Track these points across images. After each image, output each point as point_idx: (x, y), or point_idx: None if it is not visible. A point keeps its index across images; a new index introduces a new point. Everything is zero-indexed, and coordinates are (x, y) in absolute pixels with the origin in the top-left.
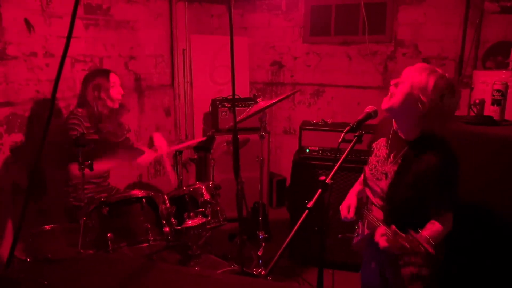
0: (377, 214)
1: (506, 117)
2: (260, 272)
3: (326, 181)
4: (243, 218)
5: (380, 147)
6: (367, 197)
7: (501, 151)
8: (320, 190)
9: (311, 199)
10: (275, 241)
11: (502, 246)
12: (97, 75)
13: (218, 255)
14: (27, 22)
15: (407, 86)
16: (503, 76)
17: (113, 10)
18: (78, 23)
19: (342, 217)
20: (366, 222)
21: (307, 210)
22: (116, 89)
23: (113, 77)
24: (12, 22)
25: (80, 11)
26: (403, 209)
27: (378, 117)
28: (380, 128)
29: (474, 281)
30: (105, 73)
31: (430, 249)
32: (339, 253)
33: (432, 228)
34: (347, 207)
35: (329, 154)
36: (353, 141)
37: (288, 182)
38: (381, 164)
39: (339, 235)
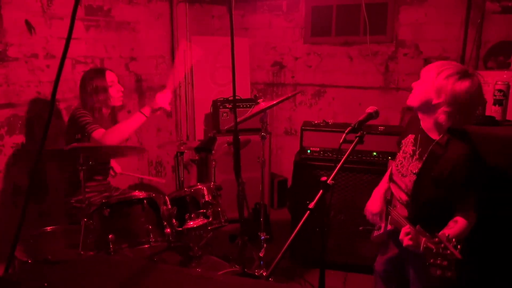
0: (401, 211)
1: (508, 117)
2: (261, 273)
3: (328, 182)
4: (244, 219)
5: (408, 143)
6: (392, 194)
7: (503, 151)
8: (321, 191)
9: (312, 200)
10: (276, 242)
11: (505, 246)
12: (94, 77)
13: (219, 256)
14: (28, 23)
15: (423, 84)
16: (504, 76)
17: (114, 11)
18: (79, 24)
19: (369, 216)
20: (389, 218)
21: (308, 211)
22: (115, 87)
23: (109, 76)
24: (13, 23)
25: (81, 12)
26: (427, 206)
27: (378, 121)
28: (409, 125)
29: (478, 281)
30: (101, 73)
31: (457, 254)
32: (346, 254)
33: (456, 226)
34: (379, 215)
35: (330, 154)
36: (355, 142)
37: (289, 183)
38: (407, 160)
39: (360, 227)
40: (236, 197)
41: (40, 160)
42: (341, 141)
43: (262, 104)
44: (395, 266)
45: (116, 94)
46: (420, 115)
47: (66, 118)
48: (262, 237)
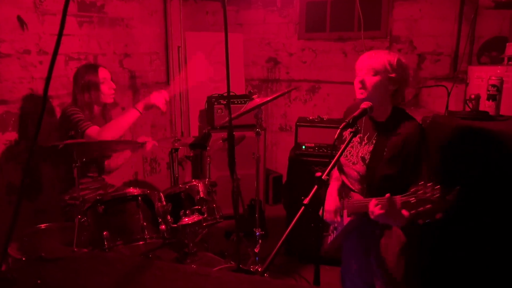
0: (357, 198)
1: (501, 112)
2: (257, 269)
3: (322, 177)
4: (239, 215)
5: None
6: (344, 187)
7: (497, 146)
8: (316, 187)
9: (307, 196)
10: (271, 238)
11: (498, 241)
12: (86, 73)
13: (215, 252)
14: (20, 19)
15: (372, 73)
16: (498, 71)
17: (107, 7)
18: (72, 20)
19: (330, 222)
20: (347, 210)
21: (303, 207)
22: (107, 84)
23: (102, 72)
24: (5, 19)
25: (74, 8)
26: (383, 187)
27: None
28: (349, 116)
29: (470, 276)
30: (94, 69)
31: (438, 188)
32: (341, 250)
33: None
34: (335, 211)
35: (325, 150)
36: (349, 137)
37: (284, 179)
38: (355, 148)
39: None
40: (230, 194)
41: (33, 157)
42: (335, 137)
43: (257, 100)
44: (357, 262)
45: (107, 91)
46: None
47: (59, 115)
48: (257, 233)
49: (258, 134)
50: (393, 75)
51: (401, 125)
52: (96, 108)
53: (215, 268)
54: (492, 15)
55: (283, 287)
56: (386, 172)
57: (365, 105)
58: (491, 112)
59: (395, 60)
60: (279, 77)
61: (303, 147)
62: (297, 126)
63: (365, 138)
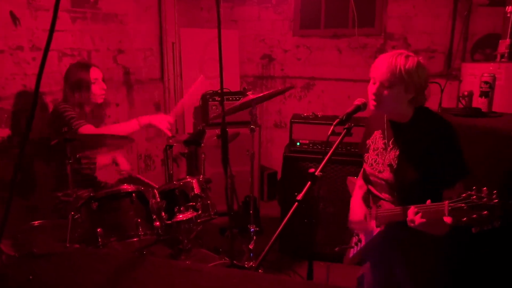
0: (388, 207)
1: (494, 109)
2: (251, 265)
3: (316, 174)
4: (232, 212)
5: (376, 140)
6: (372, 196)
7: (489, 143)
8: (309, 183)
9: (301, 192)
10: (266, 235)
11: (492, 237)
12: (78, 71)
13: (209, 248)
14: (12, 15)
15: (387, 85)
16: (491, 68)
17: (101, 3)
18: (65, 16)
19: (355, 226)
20: (377, 219)
21: (296, 203)
22: (98, 85)
23: (94, 72)
24: None
25: (67, 4)
26: (415, 192)
27: (365, 114)
28: (371, 123)
29: (471, 275)
30: (86, 68)
31: (495, 199)
32: (334, 246)
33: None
34: (364, 220)
35: (319, 147)
36: (342, 134)
37: (279, 175)
38: (381, 156)
39: (336, 248)
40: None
41: (26, 154)
42: (329, 133)
43: (251, 97)
44: (381, 275)
45: (98, 91)
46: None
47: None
48: (252, 230)
49: (252, 130)
50: (410, 85)
51: (427, 125)
52: (87, 107)
53: (210, 265)
54: (486, 12)
55: (275, 281)
56: (416, 177)
57: (358, 101)
58: (484, 108)
59: (413, 66)
60: (274, 74)
61: (298, 143)
62: (291, 122)
63: (390, 144)
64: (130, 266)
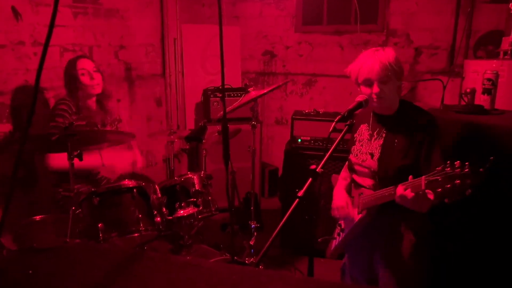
0: (368, 193)
1: (496, 106)
2: (252, 261)
3: (317, 170)
4: (233, 208)
5: (362, 132)
6: (354, 185)
7: (491, 140)
8: (310, 179)
9: (302, 188)
10: (267, 231)
11: (493, 235)
12: (67, 67)
13: (210, 244)
14: (14, 10)
15: (384, 80)
16: (493, 65)
17: None
18: (67, 11)
19: (336, 212)
20: (360, 205)
21: (297, 199)
22: (87, 76)
23: (80, 64)
24: None
25: None
26: (397, 179)
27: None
28: (358, 118)
29: (469, 270)
30: (73, 62)
31: (467, 167)
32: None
33: None
34: (346, 205)
35: (321, 144)
36: (344, 130)
37: (280, 172)
38: (365, 146)
39: (319, 239)
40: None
41: (24, 149)
42: (330, 129)
43: (253, 93)
44: (361, 261)
45: (89, 82)
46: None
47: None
48: (253, 226)
49: (254, 127)
50: (398, 73)
51: (411, 116)
52: (90, 101)
53: (210, 260)
54: (489, 9)
55: (275, 277)
56: (399, 164)
57: (360, 98)
58: (486, 106)
59: (394, 56)
60: (276, 70)
61: (299, 140)
62: (293, 119)
63: (375, 134)
64: (130, 261)
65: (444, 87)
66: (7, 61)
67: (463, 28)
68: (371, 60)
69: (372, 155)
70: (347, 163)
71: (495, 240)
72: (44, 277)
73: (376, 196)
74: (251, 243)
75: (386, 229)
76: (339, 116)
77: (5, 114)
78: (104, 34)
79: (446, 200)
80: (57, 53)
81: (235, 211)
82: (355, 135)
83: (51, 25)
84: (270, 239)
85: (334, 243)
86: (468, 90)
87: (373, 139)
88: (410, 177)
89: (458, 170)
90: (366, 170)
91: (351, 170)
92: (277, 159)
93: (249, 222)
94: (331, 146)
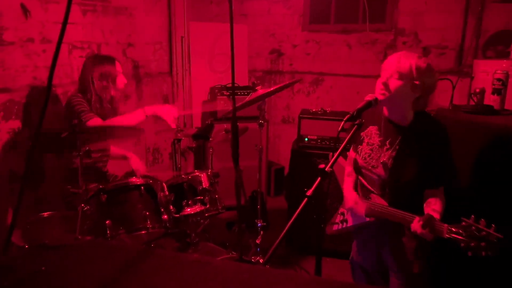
0: (378, 201)
1: (506, 107)
2: (258, 260)
3: (326, 169)
4: (241, 206)
5: (372, 135)
6: (361, 186)
7: (501, 141)
8: (319, 178)
9: (309, 188)
10: (273, 230)
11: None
12: (104, 62)
13: (216, 243)
14: (23, 7)
15: (396, 77)
16: (503, 65)
17: None
18: (76, 8)
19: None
20: (367, 210)
21: (306, 198)
22: (120, 78)
23: (118, 66)
24: (8, 7)
25: None
26: (407, 191)
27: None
28: (367, 117)
29: (471, 273)
30: (111, 61)
31: (495, 234)
32: (342, 242)
33: (437, 202)
34: (355, 203)
35: (327, 143)
36: (353, 130)
37: (286, 171)
38: (375, 152)
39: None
40: (233, 185)
41: (36, 147)
42: (339, 129)
43: (260, 91)
44: (373, 254)
45: (121, 85)
46: (389, 107)
47: (63, 103)
48: (259, 225)
49: (261, 125)
50: (417, 82)
51: (425, 130)
52: (105, 99)
53: (217, 259)
54: (499, 8)
55: (284, 276)
56: (410, 178)
57: (369, 97)
58: (496, 106)
59: (424, 66)
60: (283, 69)
61: (306, 139)
62: (300, 118)
63: (387, 143)
64: (141, 259)
65: (453, 87)
66: (16, 58)
67: (472, 27)
68: (397, 55)
69: (385, 165)
70: (349, 158)
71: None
72: (56, 274)
73: (388, 212)
74: (257, 241)
75: (393, 228)
76: (348, 115)
77: (14, 111)
78: (112, 32)
79: (469, 254)
80: (66, 50)
81: (242, 209)
82: (361, 134)
83: (64, 24)
84: (279, 238)
85: (336, 227)
86: (477, 90)
87: (385, 149)
88: (427, 213)
89: (484, 233)
90: (375, 177)
91: (358, 171)
92: (283, 158)
93: (255, 220)
94: (339, 146)
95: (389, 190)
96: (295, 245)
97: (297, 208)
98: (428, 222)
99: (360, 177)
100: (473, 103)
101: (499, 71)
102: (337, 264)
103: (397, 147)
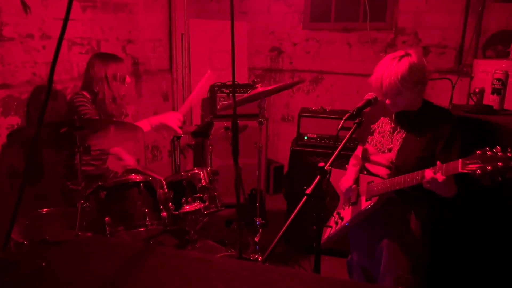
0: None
1: (505, 106)
2: (256, 258)
3: (325, 168)
4: (240, 204)
5: (383, 124)
6: (367, 173)
7: (500, 140)
8: (318, 176)
9: (308, 186)
10: (271, 227)
11: (501, 234)
12: (118, 61)
13: (215, 240)
14: (23, 3)
15: (392, 95)
16: (503, 65)
17: None
18: (76, 5)
19: (343, 190)
20: (367, 194)
21: (305, 196)
22: (128, 78)
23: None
24: (8, 2)
25: None
26: (413, 170)
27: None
28: (377, 110)
29: (469, 273)
30: (122, 60)
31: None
32: (341, 241)
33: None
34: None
35: (327, 141)
36: (353, 128)
37: (285, 169)
38: (386, 138)
39: (313, 227)
40: (232, 182)
41: (37, 143)
42: (339, 127)
43: (260, 89)
44: (369, 252)
45: (128, 85)
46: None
47: (61, 99)
48: (258, 222)
49: (260, 123)
50: (409, 83)
51: (434, 113)
52: (108, 99)
53: (217, 256)
54: (499, 8)
55: (285, 274)
56: (418, 159)
57: (369, 96)
58: (495, 106)
59: (405, 72)
60: (283, 67)
61: (305, 137)
62: (299, 116)
63: (398, 128)
64: (142, 256)
65: (453, 87)
66: (16, 54)
67: (472, 27)
68: (381, 75)
69: (395, 147)
70: (356, 152)
71: (501, 241)
72: (57, 270)
73: (392, 183)
74: (256, 239)
75: (395, 215)
76: (348, 113)
77: (13, 107)
78: (112, 28)
79: (484, 182)
80: (65, 46)
81: (240, 207)
82: (372, 126)
83: (65, 21)
84: (278, 236)
85: (329, 231)
86: (477, 90)
87: (395, 133)
88: (438, 162)
89: (501, 154)
90: (384, 161)
91: (365, 158)
92: (282, 156)
93: (254, 218)
94: (339, 144)
95: (395, 169)
96: (294, 243)
97: (296, 206)
98: (441, 165)
99: (366, 164)
100: (473, 103)
101: (498, 71)
102: (335, 262)
103: (406, 129)
